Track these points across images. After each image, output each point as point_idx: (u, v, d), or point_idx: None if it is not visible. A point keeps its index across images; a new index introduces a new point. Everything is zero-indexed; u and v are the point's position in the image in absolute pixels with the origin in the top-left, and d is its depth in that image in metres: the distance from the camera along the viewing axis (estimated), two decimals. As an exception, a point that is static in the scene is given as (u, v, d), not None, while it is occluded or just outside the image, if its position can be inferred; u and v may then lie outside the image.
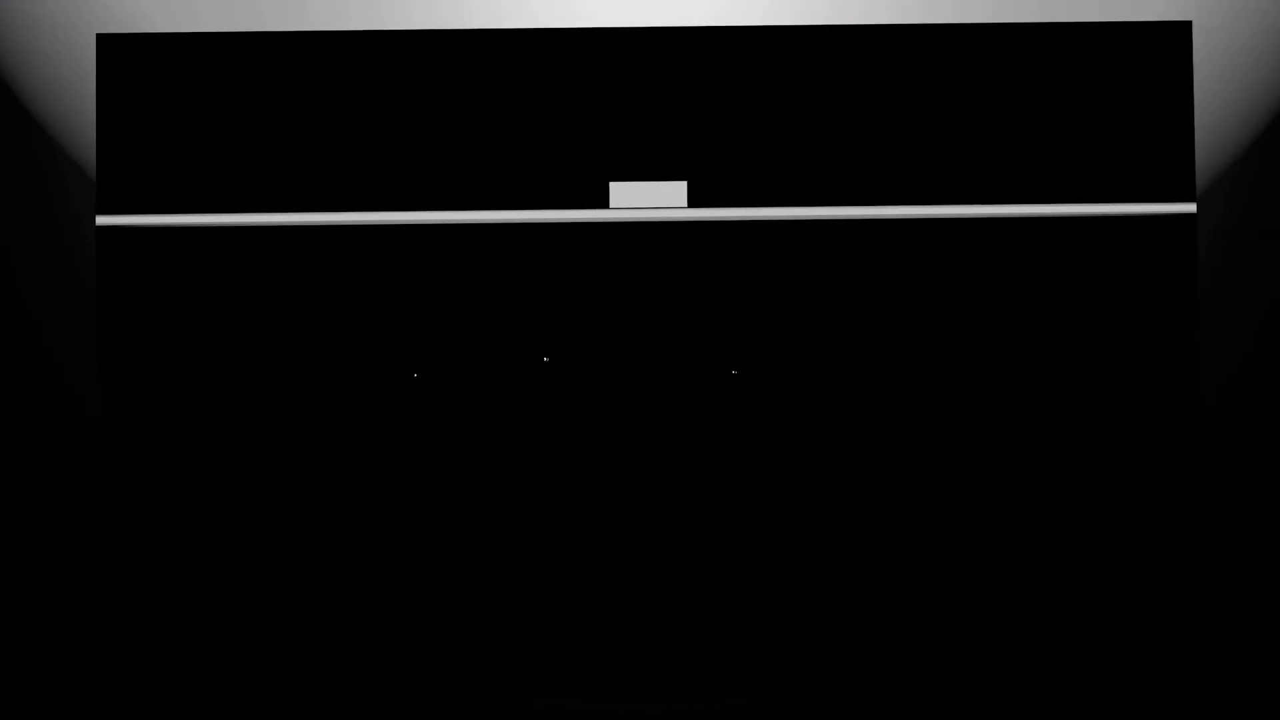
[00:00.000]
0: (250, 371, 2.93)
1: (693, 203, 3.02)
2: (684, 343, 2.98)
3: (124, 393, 2.93)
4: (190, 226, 2.91)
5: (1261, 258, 2.97)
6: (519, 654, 2.98)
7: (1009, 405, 2.98)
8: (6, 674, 2.94)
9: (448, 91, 2.98)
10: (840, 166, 2.99)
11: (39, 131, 2.91)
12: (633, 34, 2.99)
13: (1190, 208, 2.97)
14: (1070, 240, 2.99)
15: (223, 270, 2.94)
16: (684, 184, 3.01)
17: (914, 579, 2.99)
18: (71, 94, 2.92)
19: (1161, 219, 2.98)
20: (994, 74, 2.99)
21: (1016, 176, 3.00)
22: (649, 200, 3.01)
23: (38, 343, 2.91)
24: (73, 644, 2.94)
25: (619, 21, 3.00)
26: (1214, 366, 2.96)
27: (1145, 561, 2.97)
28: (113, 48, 2.94)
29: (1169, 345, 2.97)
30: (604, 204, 3.00)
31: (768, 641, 3.00)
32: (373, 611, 2.96)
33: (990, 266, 2.99)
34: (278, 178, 2.97)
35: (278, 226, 2.93)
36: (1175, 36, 2.97)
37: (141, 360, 2.95)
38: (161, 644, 2.97)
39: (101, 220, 2.93)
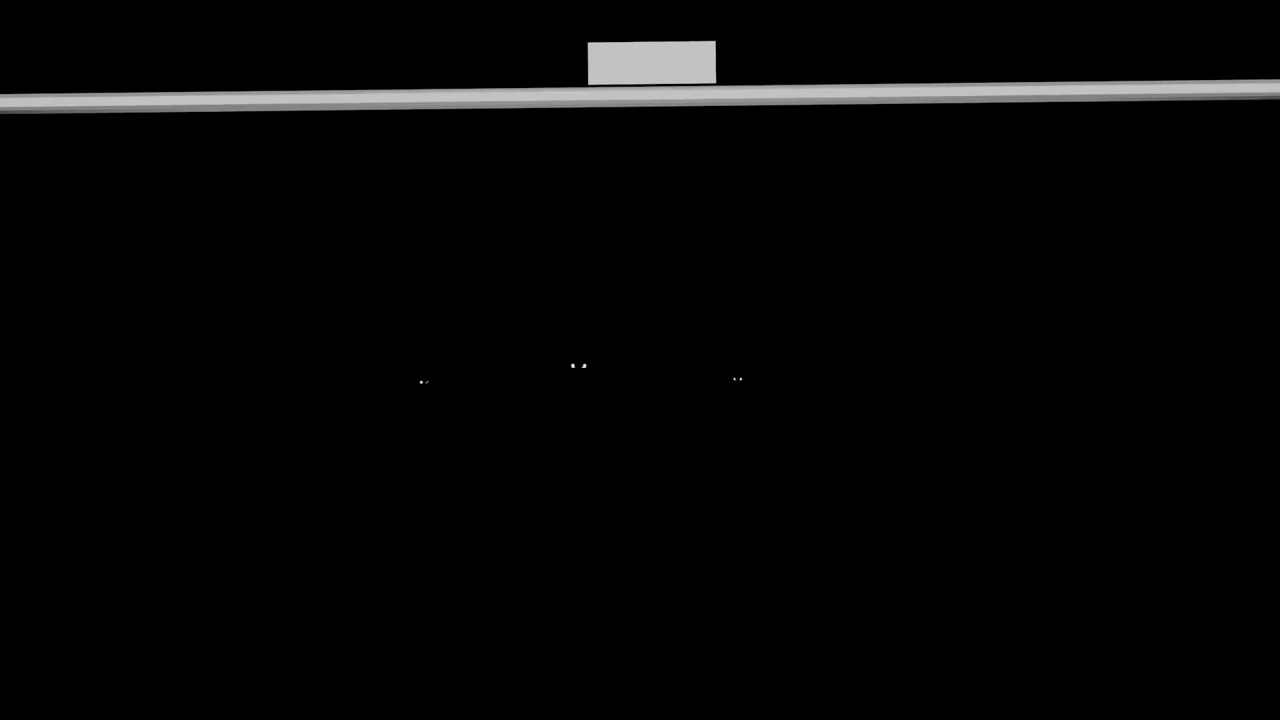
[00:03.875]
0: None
1: (723, 78, 2.35)
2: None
3: None
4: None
5: None
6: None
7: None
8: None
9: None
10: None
11: None
12: None
13: None
14: None
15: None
16: (711, 44, 2.34)
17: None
18: None
19: None
20: None
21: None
22: (647, 74, 2.36)
23: None
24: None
25: None
26: None
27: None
28: None
29: None
30: (581, 80, 2.38)
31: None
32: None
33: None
34: (170, 51, 2.43)
35: (158, 112, 2.39)
36: None
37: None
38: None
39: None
